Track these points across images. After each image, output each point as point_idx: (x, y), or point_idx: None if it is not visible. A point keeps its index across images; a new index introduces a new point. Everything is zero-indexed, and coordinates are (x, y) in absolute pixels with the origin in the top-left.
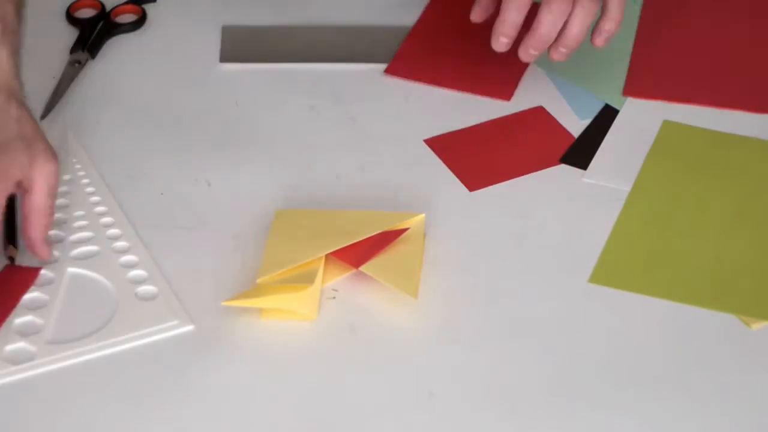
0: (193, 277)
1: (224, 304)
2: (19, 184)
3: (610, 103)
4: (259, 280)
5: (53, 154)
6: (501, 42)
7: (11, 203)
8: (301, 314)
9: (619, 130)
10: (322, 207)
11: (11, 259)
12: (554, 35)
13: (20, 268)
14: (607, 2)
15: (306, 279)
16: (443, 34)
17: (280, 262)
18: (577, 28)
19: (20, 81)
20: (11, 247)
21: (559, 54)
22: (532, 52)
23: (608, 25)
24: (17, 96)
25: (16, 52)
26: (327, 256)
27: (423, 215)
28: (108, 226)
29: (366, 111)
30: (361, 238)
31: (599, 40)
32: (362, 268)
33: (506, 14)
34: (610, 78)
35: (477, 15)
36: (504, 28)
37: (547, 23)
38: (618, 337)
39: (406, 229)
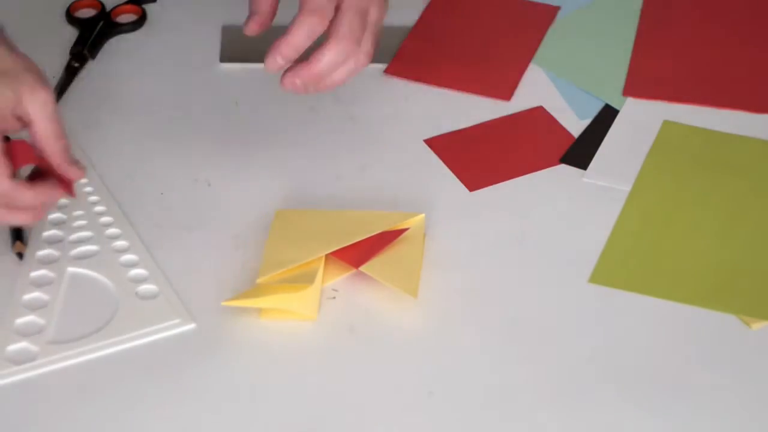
0: (193, 276)
1: (224, 304)
2: (20, 120)
3: (610, 103)
4: (259, 280)
5: (43, 82)
6: (277, 62)
7: None
8: (300, 314)
9: (619, 130)
10: (322, 207)
11: (20, 255)
12: (327, 75)
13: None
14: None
15: (306, 279)
16: (443, 34)
17: (279, 262)
18: (341, 76)
19: None
20: (19, 242)
21: (295, 85)
22: (298, 83)
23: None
24: None
25: None
26: (327, 256)
27: (423, 215)
28: (108, 225)
29: (366, 111)
30: (360, 238)
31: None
32: (362, 268)
33: (295, 37)
34: (610, 78)
35: (251, 29)
36: (287, 49)
37: (327, 62)
38: (618, 337)
39: (405, 229)
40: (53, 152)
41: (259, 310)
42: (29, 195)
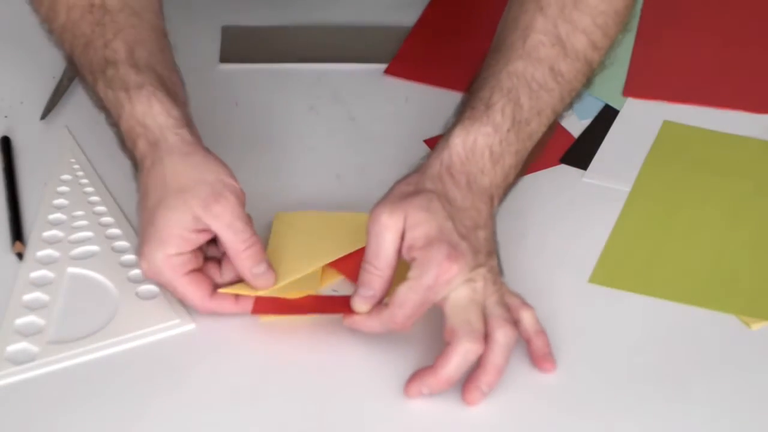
0: None
1: (221, 291)
2: (203, 232)
3: (610, 103)
4: (259, 292)
5: (218, 192)
6: (420, 392)
7: (14, 200)
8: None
9: (619, 130)
10: (322, 207)
11: (20, 255)
12: (457, 377)
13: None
14: (487, 347)
15: (307, 285)
16: (443, 34)
17: (281, 272)
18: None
19: (194, 128)
20: (18, 242)
21: (421, 394)
22: (425, 392)
23: (487, 377)
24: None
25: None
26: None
27: None
28: (107, 225)
29: (366, 111)
30: (360, 246)
31: (471, 397)
32: None
33: (446, 370)
34: (610, 78)
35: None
36: (436, 383)
37: (455, 366)
38: (618, 337)
39: None
40: (240, 267)
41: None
42: (233, 305)
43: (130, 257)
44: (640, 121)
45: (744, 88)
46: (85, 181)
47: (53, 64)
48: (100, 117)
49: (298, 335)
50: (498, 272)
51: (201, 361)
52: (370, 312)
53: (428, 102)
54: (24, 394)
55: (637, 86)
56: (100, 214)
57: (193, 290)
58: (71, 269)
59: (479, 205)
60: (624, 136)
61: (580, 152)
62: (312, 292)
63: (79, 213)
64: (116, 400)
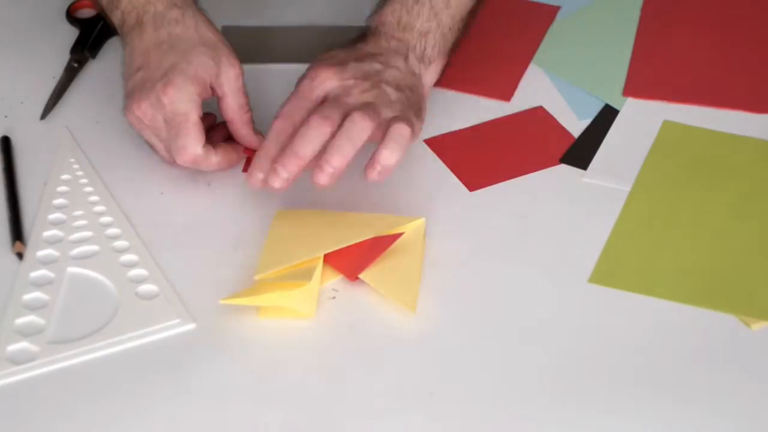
0: (193, 276)
1: (222, 302)
2: (213, 90)
3: (610, 103)
4: (256, 277)
5: (235, 59)
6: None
7: (14, 200)
8: (298, 312)
9: (619, 130)
10: (321, 207)
11: (20, 255)
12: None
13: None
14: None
15: (303, 277)
16: None
17: (277, 260)
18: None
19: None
20: (18, 242)
21: (374, 174)
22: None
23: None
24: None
25: None
26: (325, 260)
27: (422, 219)
28: (107, 225)
29: None
30: (358, 240)
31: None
32: (362, 276)
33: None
34: (610, 78)
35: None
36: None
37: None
38: (618, 337)
39: (400, 235)
40: (240, 124)
41: (258, 309)
42: (214, 160)
43: (131, 257)
44: (640, 121)
45: (744, 88)
46: (85, 181)
47: (53, 64)
48: (100, 117)
49: (298, 335)
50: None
51: (201, 361)
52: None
53: (428, 102)
54: (24, 394)
55: (637, 86)
56: (100, 214)
57: (198, 132)
58: (71, 269)
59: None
60: (624, 136)
61: (580, 152)
62: (307, 283)
63: (79, 213)
64: (116, 400)
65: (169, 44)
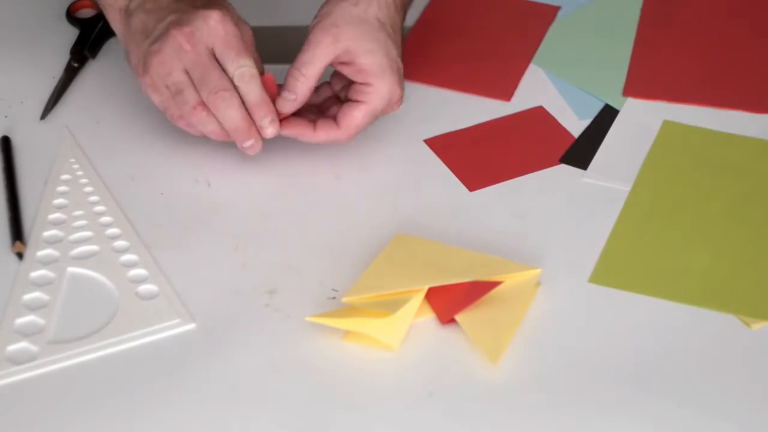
0: (193, 276)
1: (308, 319)
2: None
3: (610, 103)
4: (344, 299)
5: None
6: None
7: (14, 200)
8: (381, 342)
9: (619, 130)
10: (321, 206)
11: (20, 255)
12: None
13: None
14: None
15: (391, 307)
16: (443, 34)
17: (371, 286)
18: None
19: None
20: (18, 242)
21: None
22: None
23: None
24: None
25: None
26: (427, 293)
27: (539, 270)
28: (107, 225)
29: None
30: (461, 281)
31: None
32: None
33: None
34: (610, 78)
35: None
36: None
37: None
38: (618, 337)
39: (499, 283)
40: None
41: (343, 334)
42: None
43: (131, 257)
44: (640, 121)
45: (744, 88)
46: (85, 180)
47: (53, 64)
48: (100, 117)
49: (298, 335)
50: None
51: (201, 361)
52: (318, 127)
53: (428, 102)
54: (24, 394)
55: (637, 86)
56: (100, 214)
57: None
58: (71, 269)
59: (401, 23)
60: (624, 136)
61: (580, 152)
62: (391, 315)
63: (79, 213)
64: (116, 400)
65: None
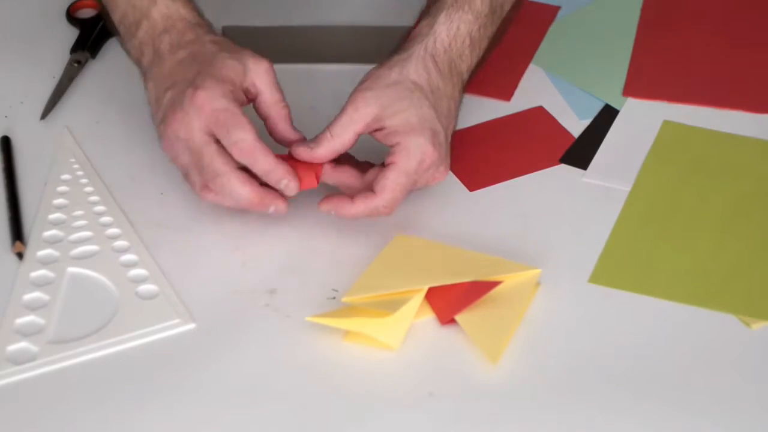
0: (193, 276)
1: (308, 319)
2: (246, 93)
3: (610, 103)
4: (344, 299)
5: (261, 56)
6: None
7: (14, 200)
8: (382, 342)
9: (619, 130)
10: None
11: (20, 255)
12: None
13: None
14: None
15: (391, 307)
16: None
17: (371, 285)
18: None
19: (206, 21)
20: (18, 242)
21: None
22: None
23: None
24: (206, 30)
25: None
26: (427, 293)
27: (538, 270)
28: (107, 225)
29: None
30: (463, 280)
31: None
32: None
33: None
34: (610, 78)
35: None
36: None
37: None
38: (618, 337)
39: (498, 283)
40: (278, 119)
41: (343, 334)
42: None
43: (131, 257)
44: (640, 121)
45: (744, 88)
46: (85, 180)
47: (53, 64)
48: (100, 117)
49: (298, 335)
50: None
51: (201, 361)
52: (355, 199)
53: None
54: (24, 394)
55: (637, 86)
56: (100, 214)
57: (247, 122)
58: (71, 269)
59: (455, 93)
60: (624, 136)
61: (580, 152)
62: (390, 314)
63: (79, 213)
64: (116, 400)
65: (191, 59)
